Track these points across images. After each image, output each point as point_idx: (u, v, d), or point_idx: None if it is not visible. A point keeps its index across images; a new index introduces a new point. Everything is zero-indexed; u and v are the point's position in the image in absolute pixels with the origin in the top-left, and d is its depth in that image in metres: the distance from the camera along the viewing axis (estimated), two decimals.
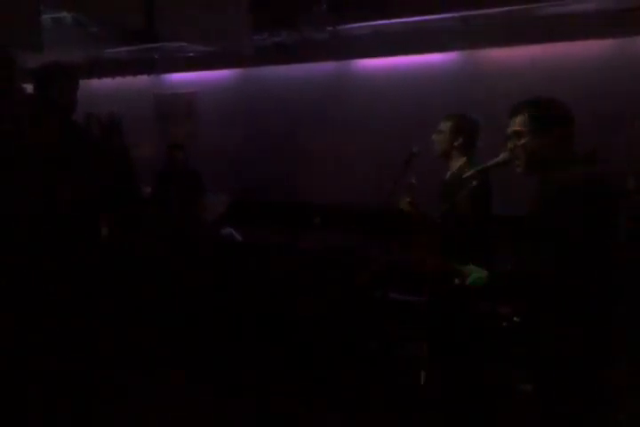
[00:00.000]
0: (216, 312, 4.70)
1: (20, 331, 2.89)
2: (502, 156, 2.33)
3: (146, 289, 4.50)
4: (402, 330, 4.09)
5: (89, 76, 6.87)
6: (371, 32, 5.38)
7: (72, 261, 3.07)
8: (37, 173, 2.92)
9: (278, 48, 5.82)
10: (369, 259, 4.25)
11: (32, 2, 3.62)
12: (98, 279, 3.29)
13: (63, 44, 5.14)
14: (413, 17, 4.95)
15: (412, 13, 4.94)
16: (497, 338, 2.78)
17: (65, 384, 3.06)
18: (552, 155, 2.12)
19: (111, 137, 4.47)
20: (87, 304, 3.17)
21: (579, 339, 1.98)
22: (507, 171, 2.38)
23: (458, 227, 2.93)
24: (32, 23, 3.95)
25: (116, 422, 3.31)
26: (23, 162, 2.89)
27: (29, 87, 3.21)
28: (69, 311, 3.04)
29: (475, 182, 2.65)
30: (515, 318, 2.19)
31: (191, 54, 6.43)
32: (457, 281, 2.31)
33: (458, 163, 3.11)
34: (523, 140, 2.14)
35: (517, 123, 2.16)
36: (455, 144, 3.11)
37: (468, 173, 2.61)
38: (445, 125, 3.14)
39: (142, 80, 7.04)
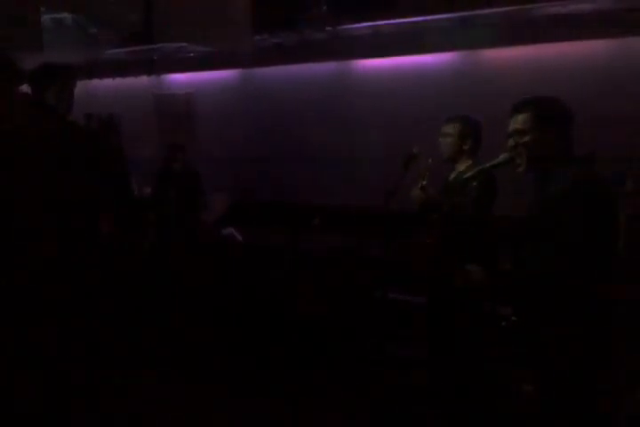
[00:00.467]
0: (217, 312, 4.70)
1: (20, 331, 2.89)
2: (502, 156, 2.33)
3: (146, 289, 4.50)
4: (401, 330, 4.09)
5: (89, 76, 6.88)
6: (370, 32, 5.38)
7: (72, 262, 3.07)
8: (35, 174, 2.92)
9: (278, 48, 5.83)
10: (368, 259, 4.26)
11: (32, 3, 3.62)
12: (98, 279, 3.29)
13: (63, 45, 5.15)
14: (413, 17, 4.96)
15: (411, 14, 4.94)
16: (496, 338, 2.78)
17: (66, 384, 3.06)
18: (553, 154, 2.12)
19: (108, 137, 4.48)
20: (86, 304, 3.17)
21: (579, 338, 1.99)
22: (505, 171, 2.39)
23: (459, 227, 2.92)
24: (32, 24, 3.95)
25: (117, 421, 3.31)
26: (21, 163, 2.89)
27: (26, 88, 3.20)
28: (69, 311, 3.04)
29: (475, 183, 2.65)
30: (513, 318, 2.19)
31: (191, 55, 6.43)
32: (458, 281, 2.31)
33: (464, 165, 3.08)
34: (525, 139, 2.14)
35: (519, 121, 2.16)
36: (465, 148, 3.08)
37: (468, 174, 2.61)
38: (452, 128, 3.10)
39: (142, 81, 7.04)
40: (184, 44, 5.88)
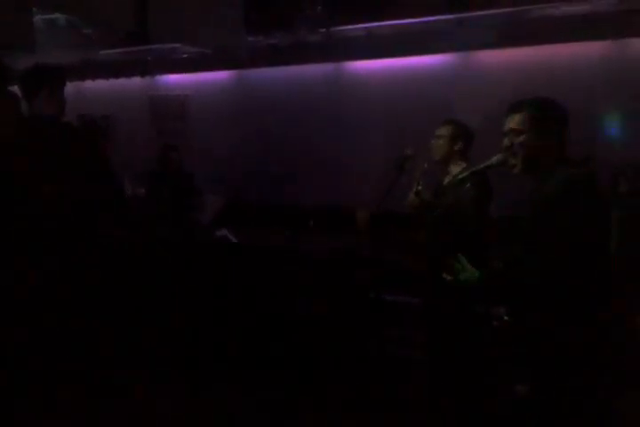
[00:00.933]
0: (211, 313, 4.69)
1: (20, 331, 2.88)
2: (496, 157, 2.33)
3: (140, 289, 4.48)
4: (398, 330, 4.09)
5: (82, 77, 6.85)
6: (365, 34, 5.38)
7: (71, 262, 3.06)
8: (29, 176, 2.90)
9: (273, 49, 5.82)
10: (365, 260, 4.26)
11: (24, 3, 3.61)
12: (94, 280, 3.28)
13: (56, 46, 5.13)
14: (408, 19, 4.96)
15: (406, 15, 4.94)
16: (489, 337, 2.78)
17: (66, 384, 3.06)
18: (548, 154, 2.11)
19: (93, 138, 4.45)
20: (85, 304, 3.17)
21: (575, 338, 1.98)
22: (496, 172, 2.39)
23: (453, 228, 2.92)
24: (24, 24, 3.94)
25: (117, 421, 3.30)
26: (15, 165, 2.88)
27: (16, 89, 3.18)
28: (69, 312, 3.04)
29: (469, 184, 2.64)
30: (505, 317, 2.18)
31: (185, 56, 6.41)
32: (447, 277, 2.30)
33: (457, 168, 3.09)
34: (520, 139, 2.13)
35: (515, 121, 2.15)
36: (455, 148, 3.10)
37: (461, 175, 2.61)
38: (445, 131, 3.13)
39: (136, 82, 7.02)
40: (178, 45, 5.87)
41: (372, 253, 4.18)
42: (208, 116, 6.74)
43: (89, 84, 6.99)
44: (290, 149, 6.16)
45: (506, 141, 2.19)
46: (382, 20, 5.08)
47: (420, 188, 3.09)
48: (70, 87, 3.30)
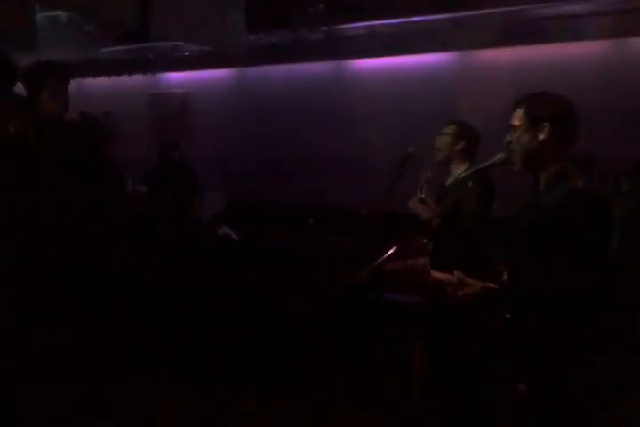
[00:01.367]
0: (212, 311, 4.69)
1: (20, 331, 2.88)
2: (499, 156, 2.32)
3: (140, 289, 4.48)
4: (397, 330, 4.09)
5: (84, 75, 6.85)
6: (365, 32, 5.39)
7: (72, 261, 3.06)
8: (32, 176, 2.90)
9: (274, 48, 5.82)
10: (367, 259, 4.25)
11: (26, 0, 3.61)
12: (96, 280, 3.28)
13: (58, 44, 5.13)
14: (408, 18, 4.96)
15: (406, 14, 4.94)
16: (493, 338, 2.78)
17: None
18: (548, 152, 2.09)
19: (93, 135, 4.45)
20: (86, 305, 3.17)
21: (577, 340, 1.98)
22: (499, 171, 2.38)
23: (455, 229, 2.91)
24: (26, 22, 3.93)
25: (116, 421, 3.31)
26: (18, 164, 2.88)
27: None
28: (70, 312, 3.04)
29: (471, 183, 2.64)
30: (507, 315, 2.16)
31: (186, 54, 6.42)
32: (448, 290, 2.27)
33: (460, 168, 3.07)
34: (518, 135, 2.11)
35: (515, 117, 2.13)
36: (457, 147, 3.07)
37: (463, 174, 2.60)
38: (449, 129, 3.10)
39: (137, 79, 7.02)
40: (179, 43, 5.87)
41: (372, 253, 4.17)
42: (209, 113, 6.74)
43: (90, 81, 7.00)
44: (290, 146, 6.16)
45: (507, 138, 2.17)
46: (383, 19, 5.09)
47: (422, 195, 3.07)
48: (72, 85, 3.30)
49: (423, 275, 2.12)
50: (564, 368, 2.01)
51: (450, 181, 3.14)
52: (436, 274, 2.15)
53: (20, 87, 3.16)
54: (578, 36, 4.68)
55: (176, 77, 7.00)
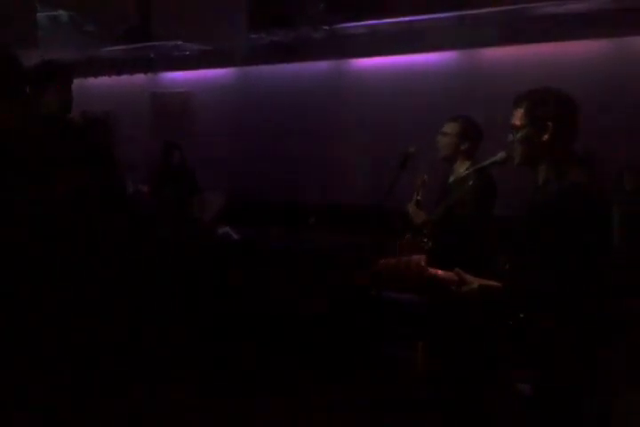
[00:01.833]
0: (214, 311, 4.69)
1: (20, 332, 2.88)
2: (500, 154, 2.31)
3: (145, 288, 4.48)
4: (398, 329, 4.08)
5: (85, 74, 6.84)
6: (367, 31, 5.37)
7: (72, 260, 3.06)
8: (35, 174, 2.90)
9: (275, 47, 5.81)
10: (369, 259, 4.24)
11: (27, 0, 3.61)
12: (98, 279, 3.27)
13: (59, 42, 5.13)
14: (410, 16, 4.95)
15: (408, 13, 4.93)
16: (499, 337, 2.77)
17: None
18: (548, 151, 2.07)
19: (98, 135, 4.45)
20: (87, 304, 3.16)
21: (574, 339, 1.97)
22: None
23: (455, 228, 2.91)
24: (27, 21, 3.94)
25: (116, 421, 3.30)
26: (20, 163, 2.88)
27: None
28: (71, 311, 3.03)
29: (471, 182, 2.63)
30: (521, 315, 2.14)
31: (187, 53, 6.41)
32: (453, 288, 2.26)
33: (463, 166, 3.06)
34: (519, 134, 2.10)
35: (516, 116, 2.12)
36: (462, 148, 3.06)
37: (465, 173, 2.59)
38: (452, 128, 3.08)
39: (138, 78, 7.01)
40: (180, 42, 5.86)
41: (371, 252, 4.16)
42: (210, 113, 6.74)
43: (91, 80, 6.99)
44: (291, 145, 6.15)
45: (509, 137, 2.16)
46: (385, 18, 5.07)
47: (419, 198, 3.06)
48: (73, 84, 3.30)
49: (418, 272, 2.11)
50: (566, 368, 2.00)
51: (452, 178, 3.13)
52: (435, 271, 2.14)
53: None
54: (578, 35, 4.66)
55: (177, 77, 6.99)
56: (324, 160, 5.99)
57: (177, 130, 6.90)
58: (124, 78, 7.01)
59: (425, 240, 3.00)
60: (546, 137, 2.05)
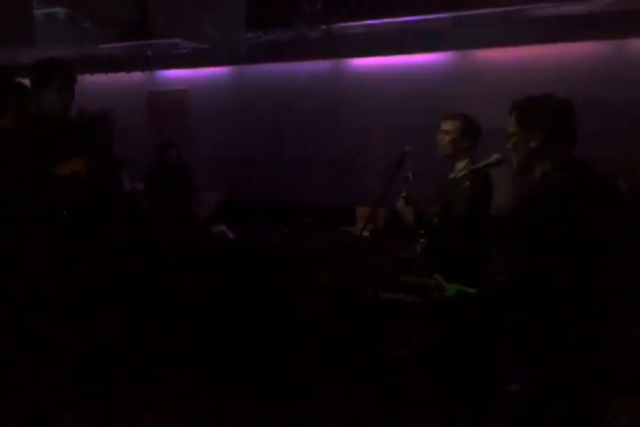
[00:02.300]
0: (208, 310, 4.69)
1: (20, 331, 2.88)
2: (494, 157, 2.32)
3: (142, 287, 4.48)
4: (394, 330, 4.09)
5: (81, 72, 6.82)
6: (364, 31, 5.38)
7: (72, 260, 3.06)
8: (35, 171, 2.90)
9: (272, 46, 5.81)
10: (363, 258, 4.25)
11: None
12: (95, 279, 3.28)
13: (56, 40, 5.11)
14: (407, 17, 4.95)
15: (405, 13, 4.93)
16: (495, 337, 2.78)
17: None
18: (543, 156, 2.08)
19: (98, 133, 4.44)
20: (86, 304, 3.17)
21: (565, 341, 1.98)
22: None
23: (450, 230, 2.91)
24: (24, 18, 3.92)
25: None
26: (20, 160, 2.88)
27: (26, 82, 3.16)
28: (70, 311, 3.04)
29: (467, 182, 2.63)
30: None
31: (184, 51, 6.40)
32: (436, 293, 2.27)
33: (461, 165, 3.05)
34: (512, 141, 2.12)
35: (510, 124, 2.14)
36: (464, 146, 3.05)
37: (460, 174, 2.60)
38: (452, 126, 3.07)
39: (135, 76, 7.01)
40: (177, 41, 5.85)
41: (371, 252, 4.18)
42: (207, 111, 6.73)
43: (88, 78, 6.97)
44: (288, 145, 6.16)
45: (509, 145, 2.18)
46: (382, 18, 5.07)
47: (404, 195, 3.06)
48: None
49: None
50: (556, 368, 2.01)
51: (452, 175, 3.13)
52: (406, 279, 2.18)
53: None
54: (577, 36, 4.67)
55: (174, 75, 6.98)
56: (322, 159, 5.99)
57: (173, 128, 6.90)
58: (121, 76, 7.01)
59: (422, 240, 3.01)
60: (534, 144, 2.06)
